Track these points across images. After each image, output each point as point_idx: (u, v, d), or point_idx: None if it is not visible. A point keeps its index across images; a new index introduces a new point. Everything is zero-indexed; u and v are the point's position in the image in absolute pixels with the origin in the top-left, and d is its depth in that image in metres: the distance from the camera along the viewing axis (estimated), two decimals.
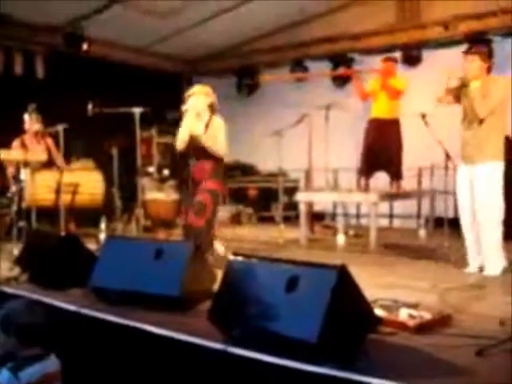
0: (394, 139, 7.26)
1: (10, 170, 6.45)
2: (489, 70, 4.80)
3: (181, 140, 5.30)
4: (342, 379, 2.49)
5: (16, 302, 3.03)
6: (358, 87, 7.50)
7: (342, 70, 9.24)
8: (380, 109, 7.24)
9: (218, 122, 5.27)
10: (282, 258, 3.25)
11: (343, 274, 2.75)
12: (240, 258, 3.19)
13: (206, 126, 5.21)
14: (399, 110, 7.28)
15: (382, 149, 7.20)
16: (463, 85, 4.81)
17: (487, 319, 3.41)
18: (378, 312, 3.30)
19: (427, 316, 3.30)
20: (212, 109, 5.30)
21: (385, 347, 2.94)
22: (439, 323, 3.30)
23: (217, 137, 5.20)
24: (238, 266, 3.17)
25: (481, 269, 4.90)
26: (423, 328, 3.18)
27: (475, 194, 4.82)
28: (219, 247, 5.63)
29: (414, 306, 3.47)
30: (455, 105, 5.00)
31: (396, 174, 7.35)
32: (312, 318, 2.67)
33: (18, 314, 2.89)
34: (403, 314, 3.32)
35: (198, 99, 5.25)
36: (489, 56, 4.86)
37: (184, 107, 5.32)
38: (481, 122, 4.73)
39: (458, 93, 4.89)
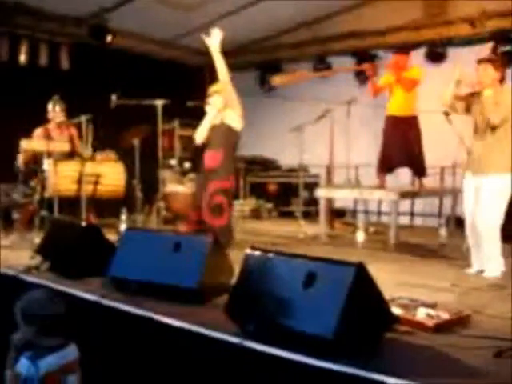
0: (414, 136, 7.17)
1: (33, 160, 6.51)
2: (501, 80, 4.71)
3: (200, 133, 5.56)
4: (356, 377, 2.49)
5: (37, 292, 3.05)
6: (370, 83, 7.45)
7: (353, 66, 9.15)
8: (396, 105, 7.14)
9: (231, 112, 5.47)
10: (299, 254, 3.25)
11: (361, 271, 2.75)
12: (257, 252, 3.20)
13: (222, 118, 5.47)
14: (416, 106, 7.14)
15: (401, 146, 7.12)
16: (475, 92, 4.74)
17: (506, 320, 3.37)
18: (396, 311, 3.29)
19: (445, 316, 3.28)
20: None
21: (401, 346, 2.93)
22: (457, 323, 3.29)
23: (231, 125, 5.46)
24: (256, 261, 3.18)
25: (481, 271, 4.85)
26: (441, 328, 3.16)
27: (479, 205, 4.74)
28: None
29: (432, 306, 3.44)
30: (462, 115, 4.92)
31: (419, 171, 7.28)
32: (329, 314, 2.67)
33: (39, 304, 2.91)
34: (421, 314, 3.31)
35: (215, 99, 5.52)
36: (502, 65, 4.78)
37: (208, 101, 5.57)
38: (493, 130, 4.64)
39: (469, 101, 4.81)
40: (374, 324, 2.87)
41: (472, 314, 3.47)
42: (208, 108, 5.55)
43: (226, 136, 5.47)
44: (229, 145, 5.47)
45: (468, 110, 4.87)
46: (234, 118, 5.46)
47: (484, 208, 4.70)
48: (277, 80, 7.60)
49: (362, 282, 2.75)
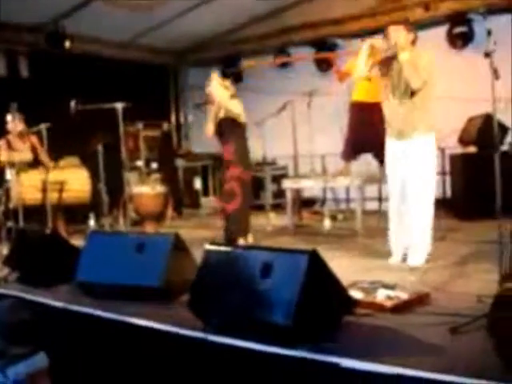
0: (378, 122, 7.23)
1: None
2: (413, 42, 4.62)
3: (207, 129, 5.91)
4: (315, 361, 2.56)
5: (1, 302, 3.07)
6: (335, 69, 7.52)
7: (322, 54, 9.22)
8: (361, 92, 7.21)
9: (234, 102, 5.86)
10: (255, 246, 3.30)
11: (314, 258, 2.81)
12: (215, 247, 3.25)
13: (227, 111, 5.81)
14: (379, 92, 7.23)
15: (365, 132, 7.19)
16: (389, 56, 4.60)
17: (466, 297, 3.45)
18: (356, 294, 3.37)
19: (404, 296, 3.36)
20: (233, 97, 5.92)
21: (361, 328, 3.01)
22: (416, 302, 3.37)
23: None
24: (215, 255, 3.23)
25: (404, 258, 4.70)
26: (400, 308, 3.24)
27: (408, 170, 4.61)
28: (251, 240, 5.81)
29: (392, 287, 3.52)
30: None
31: (382, 157, 7.35)
32: (286, 302, 2.73)
33: (4, 313, 2.94)
34: (381, 296, 3.38)
35: (219, 91, 5.85)
36: (412, 27, 4.66)
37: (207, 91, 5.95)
38: (412, 94, 4.56)
39: (383, 65, 4.70)
40: (332, 309, 2.94)
41: (432, 293, 3.55)
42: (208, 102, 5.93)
43: (233, 128, 5.76)
44: (237, 136, 5.76)
45: (384, 74, 4.75)
46: (238, 111, 5.76)
47: (414, 170, 4.57)
48: (246, 64, 7.70)
49: (317, 269, 2.81)
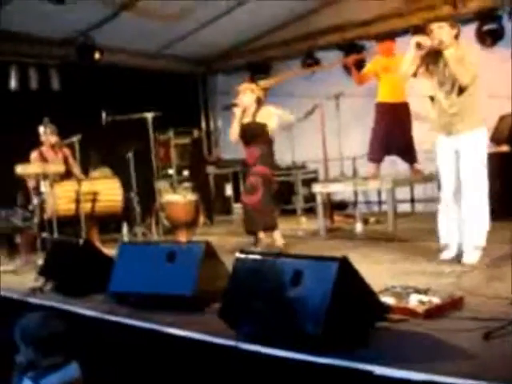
0: (403, 122, 7.17)
1: (31, 184, 6.59)
2: (456, 36, 4.57)
3: (232, 133, 5.99)
4: (345, 368, 2.54)
5: (33, 315, 3.12)
6: (354, 73, 7.50)
7: (337, 61, 9.09)
8: (385, 92, 7.17)
9: (266, 110, 5.91)
10: (286, 253, 3.30)
11: (345, 265, 2.80)
12: (246, 256, 3.26)
13: (253, 117, 5.86)
14: (405, 92, 7.17)
15: (389, 134, 7.15)
16: (436, 52, 4.57)
17: (500, 301, 3.39)
18: (388, 300, 3.33)
19: (437, 301, 3.32)
20: (259, 102, 5.92)
21: (392, 335, 2.98)
22: (450, 307, 3.32)
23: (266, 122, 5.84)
24: (245, 264, 3.24)
25: (458, 257, 4.68)
26: (432, 313, 3.20)
27: (461, 165, 4.59)
28: (279, 239, 5.95)
29: (425, 292, 3.47)
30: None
31: (409, 158, 7.29)
32: (316, 310, 2.72)
33: (36, 325, 2.98)
34: (413, 301, 3.34)
35: (245, 96, 5.91)
36: (455, 22, 4.64)
37: (233, 101, 6.03)
38: (461, 90, 4.53)
39: (429, 61, 4.66)
40: (364, 315, 2.92)
41: (466, 297, 3.50)
42: (235, 107, 5.96)
43: (258, 133, 5.81)
44: (263, 141, 5.82)
45: (428, 70, 4.71)
46: (267, 116, 5.82)
47: (468, 165, 4.55)
48: (262, 83, 7.68)
49: (347, 276, 2.80)
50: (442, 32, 4.53)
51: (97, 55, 8.69)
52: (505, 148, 6.93)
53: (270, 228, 5.84)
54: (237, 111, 5.93)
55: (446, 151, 4.72)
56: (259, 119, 5.83)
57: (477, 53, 4.60)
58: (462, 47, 4.58)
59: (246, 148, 5.93)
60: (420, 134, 7.37)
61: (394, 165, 7.56)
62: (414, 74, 4.77)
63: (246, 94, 5.89)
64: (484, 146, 4.63)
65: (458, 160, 4.64)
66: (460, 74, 4.47)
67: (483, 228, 4.63)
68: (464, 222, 4.64)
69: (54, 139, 6.93)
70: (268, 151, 5.88)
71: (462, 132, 4.59)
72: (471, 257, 4.60)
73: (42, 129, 6.93)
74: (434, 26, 4.57)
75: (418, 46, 4.62)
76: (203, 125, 11.41)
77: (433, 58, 4.66)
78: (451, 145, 4.67)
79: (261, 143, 5.80)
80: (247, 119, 5.89)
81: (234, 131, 5.93)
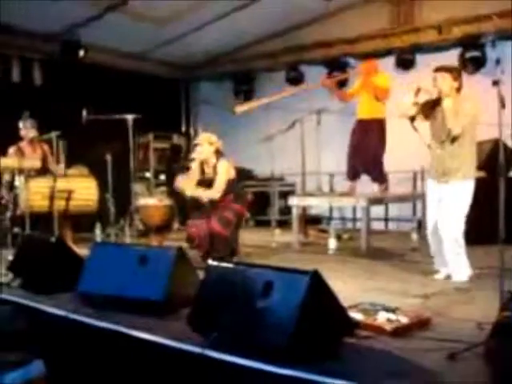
0: (375, 139, 7.20)
1: (6, 178, 6.51)
2: (458, 89, 4.74)
3: (187, 189, 5.83)
4: (312, 381, 2.55)
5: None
6: (336, 93, 7.57)
7: (316, 85, 8.96)
8: (363, 109, 7.25)
9: (222, 165, 5.76)
10: (258, 264, 3.31)
11: (316, 279, 2.81)
12: (218, 263, 3.26)
13: (214, 169, 5.77)
14: (383, 111, 7.20)
15: (364, 151, 7.21)
16: (435, 101, 4.77)
17: (466, 323, 3.43)
18: (357, 316, 3.36)
19: (404, 320, 3.35)
20: (218, 154, 5.80)
21: (360, 351, 2.99)
22: (417, 327, 3.35)
23: (215, 177, 5.73)
24: (216, 271, 3.24)
25: (448, 277, 4.89)
26: (400, 331, 3.23)
27: (442, 213, 4.80)
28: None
29: (393, 310, 3.51)
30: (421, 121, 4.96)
31: (377, 178, 7.34)
32: (285, 322, 2.73)
33: (0, 321, 2.95)
34: (381, 318, 3.37)
35: (202, 148, 5.76)
36: (460, 75, 4.80)
37: (192, 156, 5.90)
38: (453, 140, 4.71)
39: (427, 109, 4.84)
40: (332, 330, 2.93)
41: (433, 318, 3.54)
42: (193, 160, 5.86)
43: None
44: (229, 189, 5.73)
45: (426, 117, 4.90)
46: (227, 167, 5.76)
47: (446, 216, 4.76)
48: (238, 109, 7.70)
49: (317, 290, 2.81)
50: (443, 82, 4.70)
51: (81, 53, 8.66)
52: (481, 174, 7.02)
53: (235, 254, 5.83)
54: (193, 164, 5.87)
55: (432, 196, 4.94)
56: (220, 170, 5.76)
57: (475, 105, 4.70)
58: (461, 98, 4.73)
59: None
60: (403, 154, 7.48)
61: (371, 183, 7.62)
62: (413, 118, 4.91)
63: (204, 147, 5.77)
64: (468, 197, 4.77)
65: (440, 205, 4.85)
66: (451, 124, 4.65)
67: (462, 255, 4.83)
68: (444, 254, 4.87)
69: (32, 134, 6.87)
70: (238, 189, 5.92)
71: (448, 182, 4.77)
72: (459, 277, 4.79)
73: (21, 123, 6.86)
74: (438, 76, 4.73)
75: (418, 91, 4.79)
76: (183, 130, 11.40)
77: (432, 105, 4.83)
78: (437, 191, 4.88)
79: (230, 189, 5.76)
80: (208, 172, 5.83)
81: (190, 186, 5.82)
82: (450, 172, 4.76)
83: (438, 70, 4.78)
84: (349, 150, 7.33)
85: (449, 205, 4.76)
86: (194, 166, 5.86)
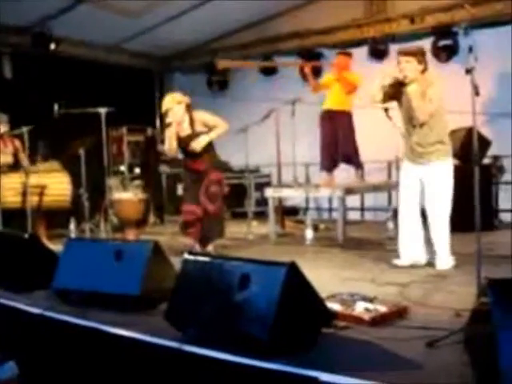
0: (347, 130, 7.28)
1: None
2: (423, 71, 4.72)
3: (171, 149, 5.77)
4: (292, 374, 2.54)
5: None
6: (310, 80, 7.59)
7: (298, 62, 9.22)
8: (333, 100, 7.30)
9: (198, 114, 5.75)
10: (234, 257, 3.28)
11: (293, 270, 2.79)
12: (194, 257, 3.23)
13: (192, 125, 5.70)
14: (351, 104, 7.30)
15: (343, 140, 7.25)
16: (401, 84, 4.75)
17: (444, 311, 3.45)
18: (335, 306, 3.36)
19: (383, 309, 3.35)
20: (188, 109, 5.73)
21: (338, 341, 2.99)
22: (395, 316, 3.36)
23: (208, 123, 5.72)
24: (193, 265, 3.20)
25: (429, 263, 4.90)
26: (378, 321, 3.23)
27: (427, 193, 4.79)
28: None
29: (371, 300, 3.51)
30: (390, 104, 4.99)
31: (356, 164, 7.40)
32: (263, 314, 2.71)
33: None
34: (359, 308, 3.37)
35: (174, 111, 5.66)
36: (423, 56, 4.76)
37: (167, 120, 5.74)
38: (422, 125, 4.72)
39: (393, 92, 4.83)
40: (310, 321, 2.92)
41: (411, 306, 3.55)
42: (169, 125, 5.70)
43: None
44: (206, 150, 5.71)
45: (395, 98, 4.89)
46: (203, 120, 5.73)
47: (433, 195, 4.75)
48: (221, 64, 7.66)
49: (295, 281, 2.79)
50: (408, 66, 4.68)
51: (52, 45, 8.51)
52: (454, 162, 7.08)
53: (223, 235, 5.86)
54: (171, 128, 5.71)
55: (410, 177, 4.90)
56: (198, 127, 5.70)
57: (439, 88, 4.70)
58: (427, 81, 4.70)
59: (191, 159, 5.79)
60: (377, 145, 7.51)
61: (348, 173, 7.63)
62: (383, 101, 4.92)
63: (176, 108, 5.66)
64: (450, 176, 4.78)
65: (423, 187, 4.83)
66: (417, 110, 4.65)
67: (447, 241, 4.83)
68: (432, 237, 4.86)
69: (3, 129, 6.75)
70: (215, 155, 5.90)
71: (429, 163, 4.77)
72: (443, 264, 4.79)
73: None
74: (403, 60, 4.69)
75: (385, 76, 4.80)
76: (158, 123, 11.29)
77: (398, 89, 4.81)
78: (415, 172, 4.85)
79: (208, 150, 5.74)
80: (186, 132, 5.73)
81: (173, 147, 5.74)
82: (426, 154, 4.76)
83: (402, 53, 4.73)
84: (323, 141, 7.33)
85: (434, 187, 4.75)
86: (172, 130, 5.71)
